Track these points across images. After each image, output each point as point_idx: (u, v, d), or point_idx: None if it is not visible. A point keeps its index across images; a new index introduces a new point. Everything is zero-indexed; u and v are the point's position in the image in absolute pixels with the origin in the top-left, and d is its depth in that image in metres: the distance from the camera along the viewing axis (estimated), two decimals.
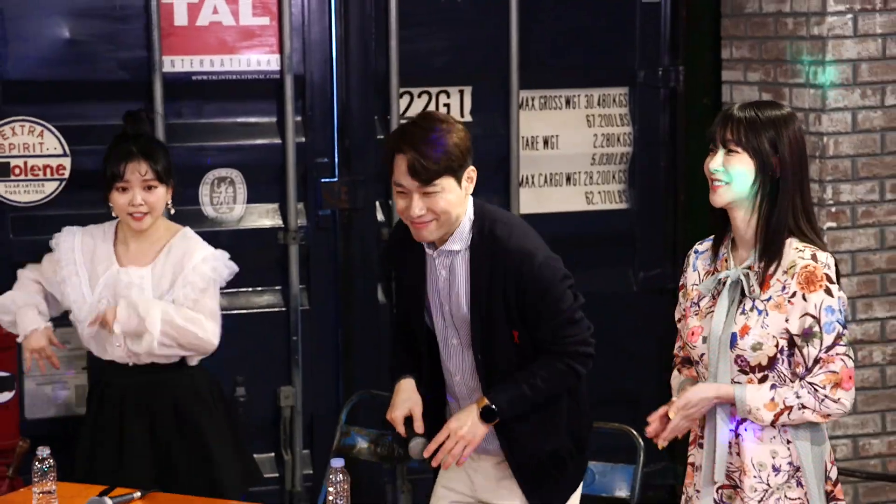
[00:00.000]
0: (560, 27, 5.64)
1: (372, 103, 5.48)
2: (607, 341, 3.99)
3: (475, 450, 3.89)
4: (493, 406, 3.59)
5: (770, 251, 3.56)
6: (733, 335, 3.56)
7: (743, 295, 3.59)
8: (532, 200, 5.68)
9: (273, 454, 5.42)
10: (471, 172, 3.70)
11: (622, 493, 4.22)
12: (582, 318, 3.84)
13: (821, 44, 5.34)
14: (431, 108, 5.58)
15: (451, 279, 3.78)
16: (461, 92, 5.60)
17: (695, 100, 5.94)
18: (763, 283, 3.56)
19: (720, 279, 3.63)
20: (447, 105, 5.58)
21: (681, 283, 3.83)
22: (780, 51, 5.56)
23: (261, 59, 5.31)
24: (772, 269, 3.56)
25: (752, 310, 3.55)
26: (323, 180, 5.36)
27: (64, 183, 5.04)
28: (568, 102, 5.75)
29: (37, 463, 3.75)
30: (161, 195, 4.32)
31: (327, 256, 5.48)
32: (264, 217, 5.36)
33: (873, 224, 5.54)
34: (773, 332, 3.53)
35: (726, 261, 3.66)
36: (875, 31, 5.56)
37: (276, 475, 5.41)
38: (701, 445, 3.57)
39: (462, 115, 5.59)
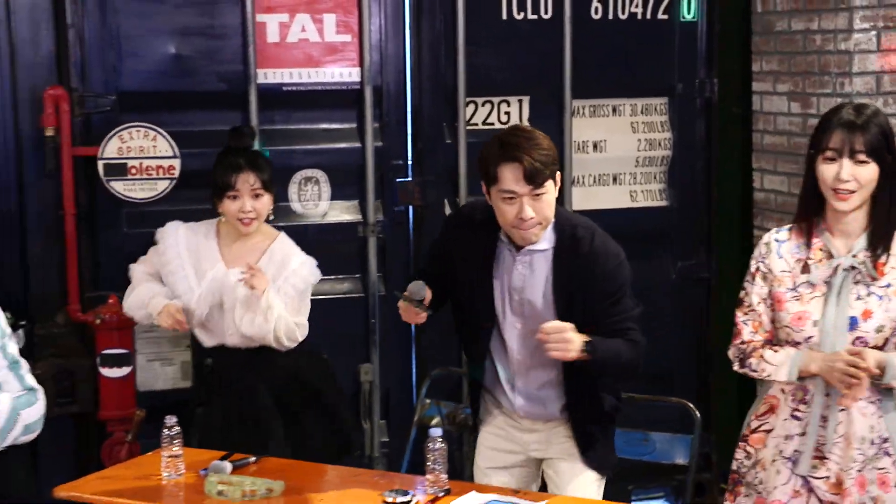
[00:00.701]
0: (607, 44, 5.62)
1: (441, 111, 5.49)
2: (648, 324, 3.98)
3: (533, 416, 3.93)
4: (591, 343, 3.55)
5: (884, 242, 3.52)
6: (853, 318, 3.51)
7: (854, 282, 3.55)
8: (582, 199, 5.69)
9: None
10: (558, 176, 3.73)
11: (680, 460, 4.25)
12: (638, 317, 3.88)
13: (847, 58, 5.28)
14: (493, 116, 5.59)
15: (528, 275, 3.79)
16: (520, 101, 5.59)
17: (726, 108, 5.94)
18: (875, 271, 3.54)
19: (834, 266, 3.54)
20: (507, 113, 5.58)
21: (755, 269, 3.71)
22: (809, 64, 5.49)
23: (343, 72, 5.31)
24: (883, 258, 3.52)
25: (868, 295, 3.51)
26: (398, 180, 5.39)
27: (174, 182, 5.06)
28: (614, 111, 5.75)
29: (165, 430, 3.84)
30: (266, 202, 4.35)
31: (402, 248, 5.49)
32: (346, 213, 5.37)
33: None
34: (894, 315, 3.51)
35: (821, 249, 3.59)
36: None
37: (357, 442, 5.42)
38: (796, 417, 3.49)
39: (520, 122, 5.56)
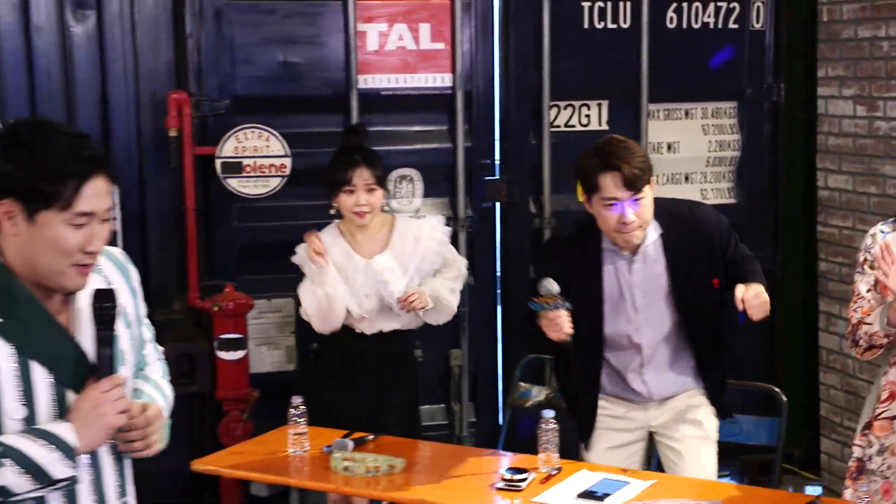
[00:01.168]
0: (681, 51, 5.61)
1: (526, 114, 5.52)
2: None
3: (664, 393, 3.89)
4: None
5: None
6: None
7: None
8: (656, 197, 5.63)
9: (444, 405, 5.46)
10: (653, 181, 3.74)
11: (765, 441, 4.24)
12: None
13: None
14: (574, 118, 5.59)
15: (646, 269, 3.77)
16: (599, 105, 5.60)
17: (792, 112, 5.91)
18: None
19: None
20: (587, 116, 5.59)
21: (862, 259, 3.69)
22: (875, 69, 5.43)
23: (436, 78, 5.34)
24: None
25: None
26: (486, 178, 5.41)
27: (285, 179, 5.09)
28: (687, 114, 5.74)
29: (292, 409, 3.89)
30: (379, 196, 4.36)
31: (488, 241, 5.51)
32: (437, 208, 5.36)
33: None
34: None
35: None
36: None
37: (446, 423, 5.45)
38: None
39: (600, 125, 5.60)
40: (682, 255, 3.79)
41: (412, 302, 4.28)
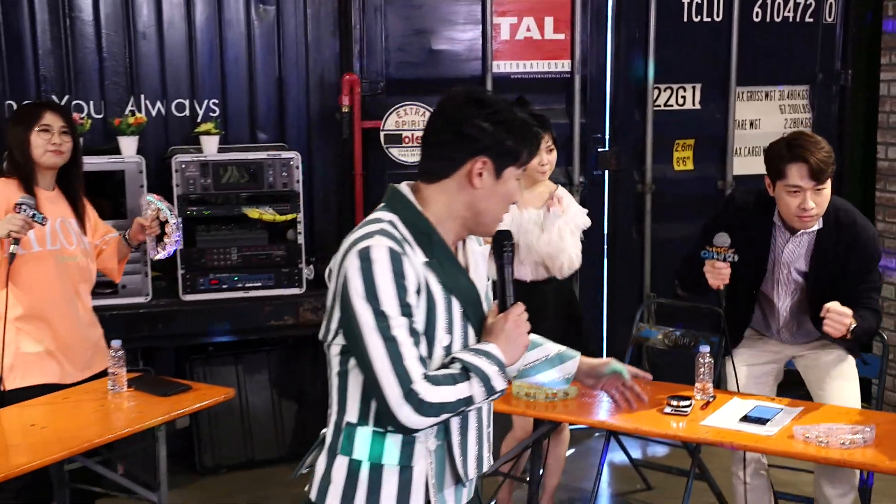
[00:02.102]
0: (764, 41, 5.54)
1: (633, 95, 5.46)
2: None
3: (794, 341, 3.79)
4: (857, 327, 3.37)
5: None
6: None
7: None
8: (740, 166, 5.62)
9: None
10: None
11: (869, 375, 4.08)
12: (879, 288, 3.72)
13: None
14: (672, 99, 5.52)
15: (797, 251, 3.64)
16: (693, 88, 5.53)
17: (857, 94, 5.80)
18: None
19: None
20: (683, 97, 5.51)
21: None
22: None
23: (557, 64, 5.30)
24: None
25: None
26: (598, 150, 5.36)
27: None
28: (766, 95, 5.66)
29: None
30: (555, 156, 4.15)
31: (599, 204, 5.42)
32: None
33: None
34: None
35: None
36: None
37: None
38: None
39: (694, 104, 5.53)
40: (827, 256, 3.64)
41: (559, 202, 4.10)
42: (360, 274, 2.00)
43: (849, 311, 3.36)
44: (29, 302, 3.62)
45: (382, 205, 2.16)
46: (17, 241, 3.40)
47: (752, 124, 5.66)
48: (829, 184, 3.51)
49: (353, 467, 2.12)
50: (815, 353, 3.79)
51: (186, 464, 4.86)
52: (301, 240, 4.68)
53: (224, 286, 4.59)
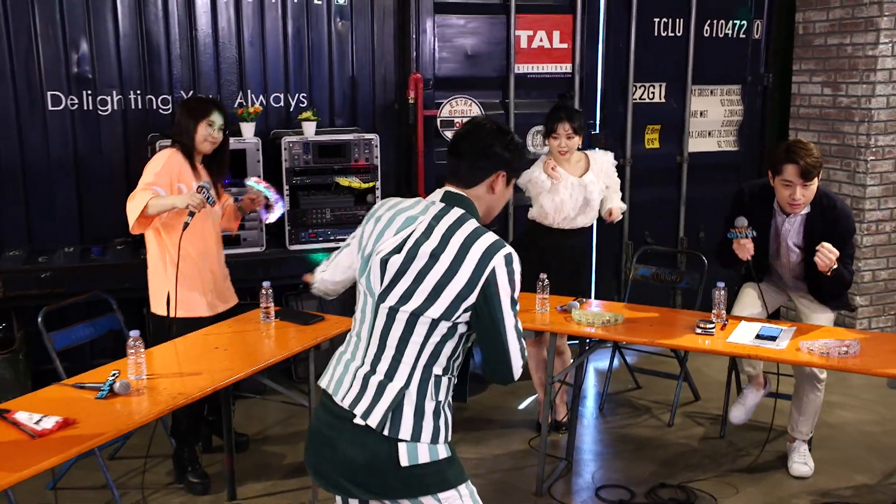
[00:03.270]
0: (711, 52, 5.69)
1: (617, 91, 5.56)
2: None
3: (795, 289, 3.87)
4: (837, 270, 3.47)
5: None
6: None
7: None
8: (694, 145, 5.80)
9: None
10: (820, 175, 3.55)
11: None
12: (853, 256, 3.71)
13: (873, 61, 5.31)
14: (646, 95, 5.59)
15: (791, 229, 3.72)
16: (660, 86, 5.66)
17: (775, 93, 5.94)
18: None
19: None
20: (653, 93, 5.62)
21: None
22: (840, 64, 5.46)
23: (561, 66, 5.41)
24: None
25: None
26: (592, 132, 5.47)
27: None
28: (712, 92, 5.81)
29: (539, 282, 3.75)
30: (577, 141, 4.09)
31: None
32: None
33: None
34: None
35: None
36: None
37: None
38: None
39: (661, 99, 5.65)
40: (815, 231, 3.65)
41: (615, 217, 4.15)
42: (508, 277, 2.08)
43: (837, 252, 3.44)
44: (192, 250, 3.68)
45: (462, 212, 2.16)
46: (192, 214, 3.47)
47: (701, 114, 5.81)
48: (816, 181, 3.54)
49: (438, 408, 2.15)
50: (807, 297, 3.86)
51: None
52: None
53: (320, 238, 4.65)
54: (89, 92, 4.60)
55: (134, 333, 3.04)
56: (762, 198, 3.74)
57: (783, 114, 5.96)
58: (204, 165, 3.77)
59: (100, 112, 4.64)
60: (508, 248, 2.12)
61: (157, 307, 3.72)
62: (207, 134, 3.64)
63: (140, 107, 4.70)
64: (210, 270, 3.81)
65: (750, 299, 3.88)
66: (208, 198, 3.52)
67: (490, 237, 2.12)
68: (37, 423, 2.67)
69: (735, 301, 3.93)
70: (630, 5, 5.47)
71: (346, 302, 3.28)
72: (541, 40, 5.37)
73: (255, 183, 3.86)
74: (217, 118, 3.64)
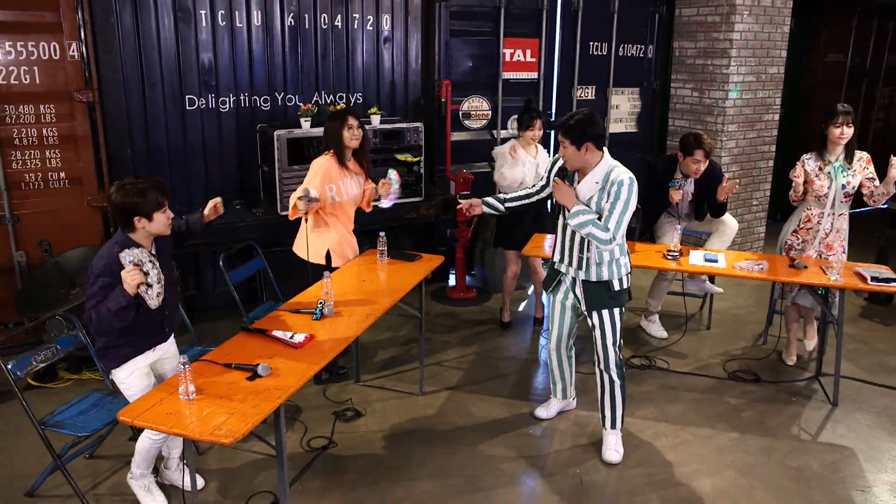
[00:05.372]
0: (623, 66, 5.74)
1: (566, 92, 5.57)
2: None
3: (689, 226, 3.94)
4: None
5: (853, 155, 3.44)
6: (843, 185, 3.47)
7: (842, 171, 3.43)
8: (612, 128, 5.83)
9: None
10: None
11: None
12: None
13: (726, 76, 5.45)
14: (583, 94, 5.58)
15: (689, 184, 3.85)
16: (592, 87, 5.69)
17: (661, 94, 6.03)
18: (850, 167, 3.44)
19: (835, 166, 3.38)
20: (587, 92, 5.61)
21: (797, 174, 3.46)
22: (704, 75, 5.60)
23: (531, 74, 5.38)
24: (853, 162, 3.46)
25: (846, 176, 3.45)
26: (550, 121, 5.37)
27: (488, 121, 5.14)
28: (622, 93, 5.86)
29: None
30: (541, 132, 4.05)
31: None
32: None
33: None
34: (855, 182, 3.42)
35: (828, 162, 3.47)
36: (749, 76, 5.54)
37: None
38: None
39: (592, 97, 5.65)
40: (702, 184, 3.80)
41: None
42: (630, 188, 2.50)
43: (735, 183, 3.65)
44: (334, 224, 3.54)
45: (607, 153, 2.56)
46: (310, 200, 3.29)
47: (617, 107, 5.91)
48: (708, 160, 3.73)
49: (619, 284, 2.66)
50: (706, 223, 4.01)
51: None
52: (422, 171, 4.72)
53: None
54: (213, 95, 4.43)
55: (327, 274, 3.02)
56: (669, 166, 3.91)
57: (665, 108, 6.09)
58: (354, 158, 3.57)
59: (220, 110, 4.46)
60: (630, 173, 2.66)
61: (301, 252, 3.60)
62: (350, 134, 3.49)
63: (248, 105, 4.56)
64: (342, 234, 3.60)
65: (667, 231, 4.08)
66: (310, 200, 3.29)
67: (620, 165, 2.75)
68: (291, 337, 2.70)
69: (656, 231, 4.10)
70: (575, 34, 5.53)
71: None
72: (520, 56, 5.39)
73: (394, 175, 3.64)
74: (353, 121, 3.49)
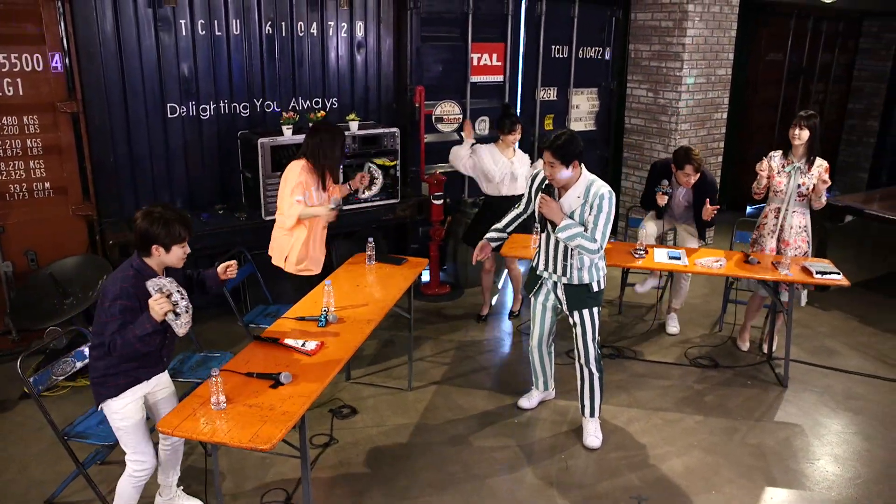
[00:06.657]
0: (582, 67, 5.90)
1: (530, 93, 5.70)
2: None
3: (681, 220, 4.09)
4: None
5: (812, 160, 3.62)
6: (798, 185, 3.67)
7: (800, 172, 3.61)
8: (573, 126, 5.94)
9: None
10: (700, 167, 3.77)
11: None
12: None
13: (679, 78, 5.68)
14: (546, 95, 5.70)
15: (684, 192, 4.01)
16: (554, 88, 5.83)
17: (618, 94, 6.17)
18: (809, 170, 3.65)
19: (794, 167, 3.58)
20: (550, 93, 5.74)
21: (762, 168, 3.62)
22: (659, 76, 5.80)
23: (497, 77, 5.49)
24: (811, 166, 3.66)
25: (803, 177, 3.65)
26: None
27: (460, 124, 5.18)
28: (582, 93, 6.01)
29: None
30: (518, 135, 4.17)
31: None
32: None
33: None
34: (810, 184, 3.61)
35: (791, 162, 3.66)
36: (700, 79, 5.73)
37: None
38: None
39: (555, 98, 5.76)
40: (697, 191, 3.93)
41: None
42: (610, 201, 2.70)
43: (716, 209, 3.82)
44: (312, 233, 3.59)
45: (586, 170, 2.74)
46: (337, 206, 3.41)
47: (577, 106, 6.07)
48: (698, 172, 3.88)
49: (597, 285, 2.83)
50: (687, 226, 4.24)
51: None
52: (398, 174, 4.79)
53: (363, 199, 4.67)
54: (194, 102, 4.47)
55: (328, 282, 3.14)
56: (665, 171, 4.13)
57: (621, 107, 6.22)
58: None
59: (201, 117, 4.53)
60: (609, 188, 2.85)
61: (278, 262, 3.63)
62: (341, 154, 3.56)
63: (228, 112, 4.62)
64: (317, 246, 3.68)
65: (651, 227, 4.29)
66: (336, 207, 3.44)
67: (599, 181, 2.92)
68: (303, 345, 2.82)
69: (640, 228, 4.32)
70: (539, 38, 5.66)
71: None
72: (487, 60, 5.48)
73: (370, 168, 3.64)
74: (346, 142, 3.47)
